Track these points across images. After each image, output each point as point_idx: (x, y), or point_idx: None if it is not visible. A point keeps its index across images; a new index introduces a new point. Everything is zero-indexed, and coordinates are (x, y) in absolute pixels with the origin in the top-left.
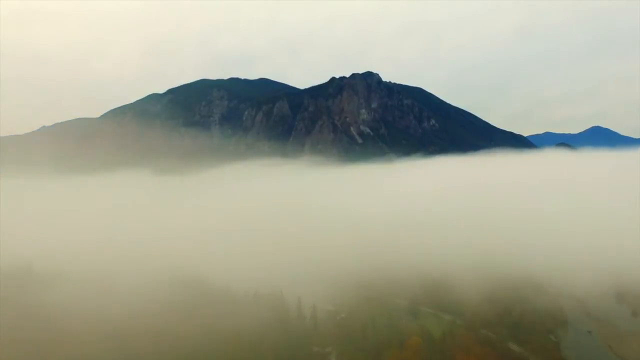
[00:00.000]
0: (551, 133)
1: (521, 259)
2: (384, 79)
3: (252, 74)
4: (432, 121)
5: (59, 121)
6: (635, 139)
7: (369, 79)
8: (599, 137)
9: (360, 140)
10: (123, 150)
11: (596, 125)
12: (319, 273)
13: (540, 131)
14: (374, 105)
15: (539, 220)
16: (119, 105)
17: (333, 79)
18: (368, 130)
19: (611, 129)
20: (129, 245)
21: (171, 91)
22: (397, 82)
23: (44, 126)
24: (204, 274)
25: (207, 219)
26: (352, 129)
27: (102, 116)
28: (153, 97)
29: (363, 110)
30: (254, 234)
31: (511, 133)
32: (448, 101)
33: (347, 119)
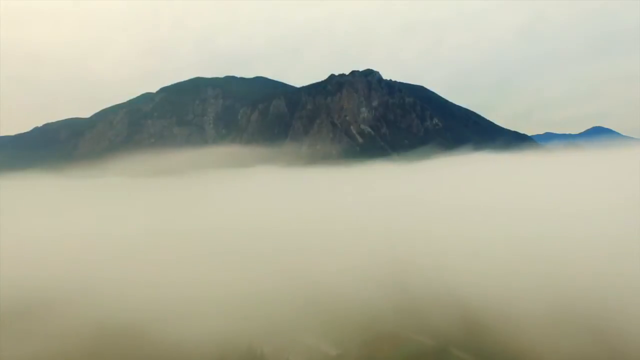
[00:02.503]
0: (552, 133)
1: (594, 287)
2: (384, 78)
3: (251, 74)
4: (435, 120)
5: (50, 121)
6: (638, 138)
7: (370, 76)
8: (601, 137)
9: (360, 140)
10: (112, 151)
11: (597, 125)
12: (317, 304)
13: (541, 131)
14: (374, 103)
15: (597, 236)
16: (111, 105)
17: (332, 76)
18: (369, 129)
19: (612, 129)
20: (62, 273)
21: (164, 90)
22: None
23: (36, 127)
24: (147, 323)
25: (176, 236)
26: (352, 128)
27: (92, 116)
28: (146, 96)
29: (363, 109)
30: (232, 254)
31: (516, 132)
32: (450, 100)
33: (347, 117)
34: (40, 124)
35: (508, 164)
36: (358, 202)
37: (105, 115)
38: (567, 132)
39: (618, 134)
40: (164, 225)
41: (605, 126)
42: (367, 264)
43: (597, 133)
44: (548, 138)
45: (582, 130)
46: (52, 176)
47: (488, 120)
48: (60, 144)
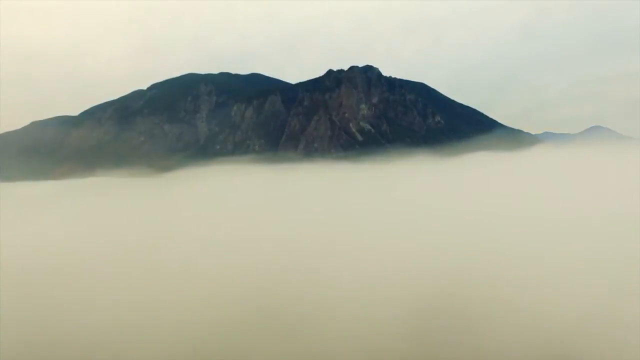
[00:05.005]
0: (550, 133)
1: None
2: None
3: (248, 71)
4: (438, 118)
5: (40, 119)
6: (638, 138)
7: (369, 72)
8: (600, 137)
9: (360, 138)
10: (99, 149)
11: (596, 125)
12: (318, 353)
13: (540, 130)
14: (374, 100)
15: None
16: (101, 102)
17: (330, 71)
18: (369, 126)
19: (611, 128)
20: None
21: (155, 86)
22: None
23: (25, 126)
24: None
25: (154, 245)
26: (351, 125)
27: (81, 114)
28: (137, 93)
29: (363, 106)
30: (201, 274)
31: (520, 131)
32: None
33: (346, 114)
34: (27, 123)
35: (516, 164)
36: (364, 206)
37: (94, 113)
38: (566, 132)
39: (618, 133)
40: (145, 231)
41: (605, 126)
42: (376, 293)
43: (597, 133)
44: (547, 137)
45: (581, 130)
46: (37, 176)
47: (491, 119)
48: (47, 143)
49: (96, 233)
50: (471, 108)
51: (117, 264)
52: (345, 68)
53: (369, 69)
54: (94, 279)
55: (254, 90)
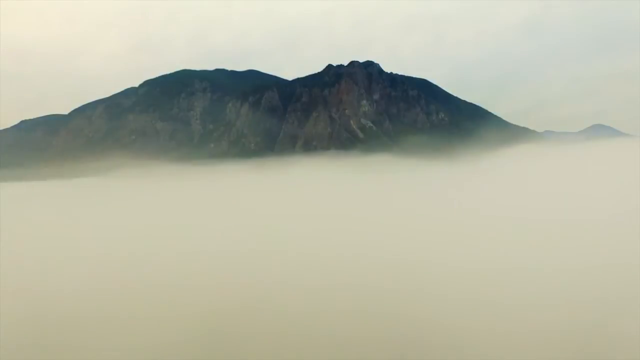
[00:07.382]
0: (551, 132)
1: None
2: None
3: (245, 68)
4: (441, 114)
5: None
6: (639, 136)
7: (370, 68)
8: (600, 136)
9: (361, 135)
10: (89, 148)
11: (597, 123)
12: None
13: (541, 129)
14: (376, 96)
15: None
16: (92, 100)
17: (330, 66)
18: (370, 123)
19: (613, 127)
20: None
21: (148, 83)
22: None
23: (14, 124)
24: None
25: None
26: (352, 122)
27: (71, 112)
28: (128, 91)
29: (364, 102)
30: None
31: (525, 128)
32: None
33: (347, 111)
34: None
35: (522, 163)
36: (373, 213)
37: (84, 111)
38: (567, 130)
39: (619, 131)
40: (135, 235)
41: (606, 124)
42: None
43: (598, 131)
44: (548, 136)
45: (582, 128)
46: (21, 176)
47: (496, 116)
48: (36, 142)
49: (79, 237)
50: (475, 105)
51: (101, 270)
52: (345, 63)
53: (369, 65)
54: (76, 288)
55: (250, 86)
